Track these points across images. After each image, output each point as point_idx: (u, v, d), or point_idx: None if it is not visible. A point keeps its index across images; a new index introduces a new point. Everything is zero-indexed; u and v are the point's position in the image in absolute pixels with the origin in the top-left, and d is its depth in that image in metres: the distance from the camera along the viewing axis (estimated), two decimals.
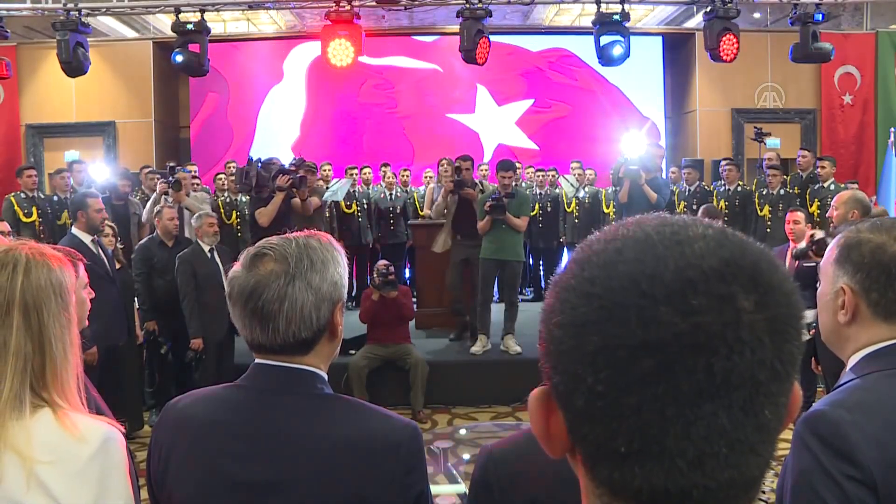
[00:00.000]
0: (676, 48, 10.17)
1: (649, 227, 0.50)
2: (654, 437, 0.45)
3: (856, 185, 7.28)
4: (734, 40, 6.82)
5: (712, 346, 0.45)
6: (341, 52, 6.92)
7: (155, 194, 6.52)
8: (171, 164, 6.56)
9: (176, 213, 5.50)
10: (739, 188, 7.62)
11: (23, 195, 6.85)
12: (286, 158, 8.31)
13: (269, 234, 1.26)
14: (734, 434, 0.46)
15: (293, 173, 5.65)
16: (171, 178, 6.18)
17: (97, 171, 7.54)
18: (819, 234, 4.14)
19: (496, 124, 10.15)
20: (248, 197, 6.70)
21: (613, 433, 0.46)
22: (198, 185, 7.52)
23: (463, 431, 5.02)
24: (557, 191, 8.46)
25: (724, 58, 6.83)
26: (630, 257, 0.48)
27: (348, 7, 6.90)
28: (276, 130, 10.02)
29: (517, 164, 6.38)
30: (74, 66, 6.91)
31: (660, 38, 10.33)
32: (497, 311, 6.33)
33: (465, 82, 10.11)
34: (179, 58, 6.96)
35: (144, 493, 1.27)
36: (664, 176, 8.13)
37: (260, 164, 5.83)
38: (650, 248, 0.48)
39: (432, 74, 10.14)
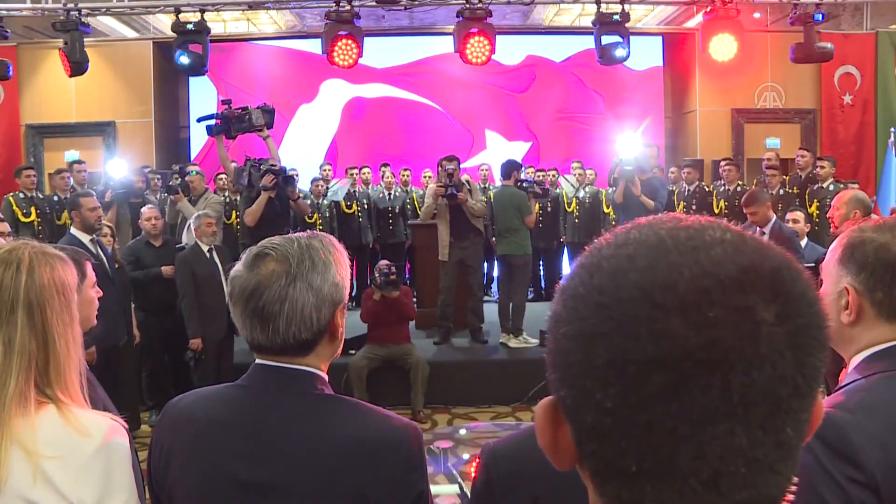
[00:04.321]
0: (676, 48, 10.17)
1: (663, 230, 0.47)
2: (667, 457, 0.43)
3: (856, 185, 7.27)
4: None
5: (729, 361, 0.42)
6: (345, 52, 6.94)
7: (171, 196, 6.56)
8: (181, 166, 6.56)
9: (155, 214, 5.48)
10: (739, 188, 7.61)
11: (21, 195, 6.84)
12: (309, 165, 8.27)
13: (261, 234, 1.26)
14: (752, 453, 0.43)
15: (279, 173, 5.62)
16: (179, 180, 6.19)
17: (114, 168, 7.45)
18: None
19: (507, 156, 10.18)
20: None
21: (623, 451, 0.44)
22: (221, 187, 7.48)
23: (463, 431, 5.01)
24: (557, 191, 8.46)
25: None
26: (642, 265, 0.45)
27: (348, 7, 6.90)
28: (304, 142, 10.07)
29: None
30: (83, 65, 6.94)
31: (660, 38, 10.34)
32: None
33: (473, 128, 10.18)
34: (184, 59, 6.96)
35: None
36: (664, 175, 8.14)
37: (253, 165, 5.81)
38: (663, 254, 0.45)
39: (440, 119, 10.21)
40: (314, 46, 9.42)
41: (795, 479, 0.47)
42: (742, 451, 0.43)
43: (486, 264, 8.36)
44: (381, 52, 9.83)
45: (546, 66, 10.22)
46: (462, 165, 9.59)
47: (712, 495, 0.43)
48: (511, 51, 10.08)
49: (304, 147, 9.87)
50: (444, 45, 8.92)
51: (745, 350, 0.42)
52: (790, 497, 0.47)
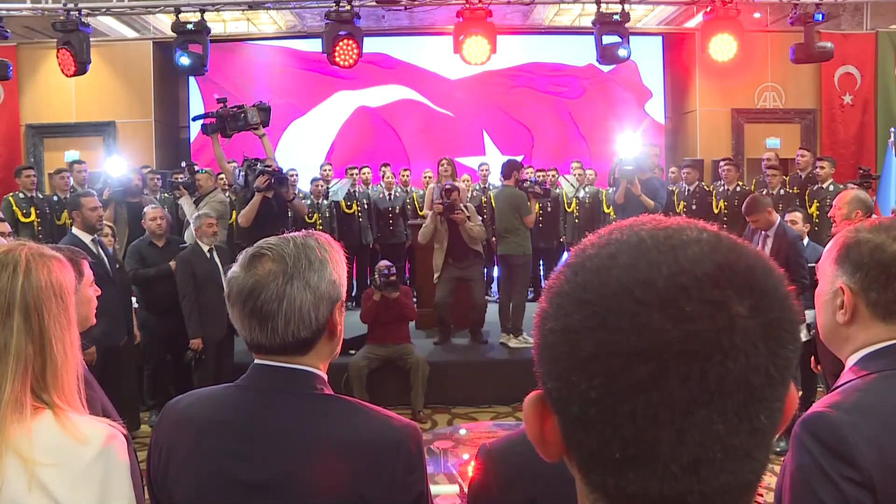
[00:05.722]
0: (676, 48, 10.17)
1: (644, 231, 0.50)
2: (649, 444, 0.45)
3: (855, 186, 7.26)
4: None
5: (706, 352, 0.44)
6: (346, 51, 6.94)
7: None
8: (192, 163, 6.55)
9: (160, 214, 5.46)
10: (738, 188, 7.60)
11: (21, 195, 6.84)
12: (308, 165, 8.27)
13: (258, 234, 1.26)
14: (729, 439, 0.46)
15: (272, 174, 5.59)
16: (188, 177, 6.18)
17: (113, 167, 7.38)
18: None
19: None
20: None
21: (607, 440, 0.46)
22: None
23: (463, 431, 5.02)
24: (557, 191, 8.45)
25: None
26: (623, 262, 0.48)
27: (348, 7, 6.90)
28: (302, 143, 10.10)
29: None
30: (85, 65, 6.93)
31: (660, 39, 10.33)
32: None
33: (473, 129, 10.24)
34: (184, 59, 6.96)
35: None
36: (664, 175, 8.14)
37: (250, 165, 5.79)
38: (643, 253, 0.48)
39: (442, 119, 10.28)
40: (315, 46, 9.42)
41: (772, 467, 0.49)
42: (719, 438, 0.45)
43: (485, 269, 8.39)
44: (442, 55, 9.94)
45: (593, 72, 10.22)
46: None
47: (692, 480, 0.46)
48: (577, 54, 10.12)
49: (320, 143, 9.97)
50: (443, 45, 8.93)
51: (720, 342, 0.45)
52: (765, 483, 0.49)
